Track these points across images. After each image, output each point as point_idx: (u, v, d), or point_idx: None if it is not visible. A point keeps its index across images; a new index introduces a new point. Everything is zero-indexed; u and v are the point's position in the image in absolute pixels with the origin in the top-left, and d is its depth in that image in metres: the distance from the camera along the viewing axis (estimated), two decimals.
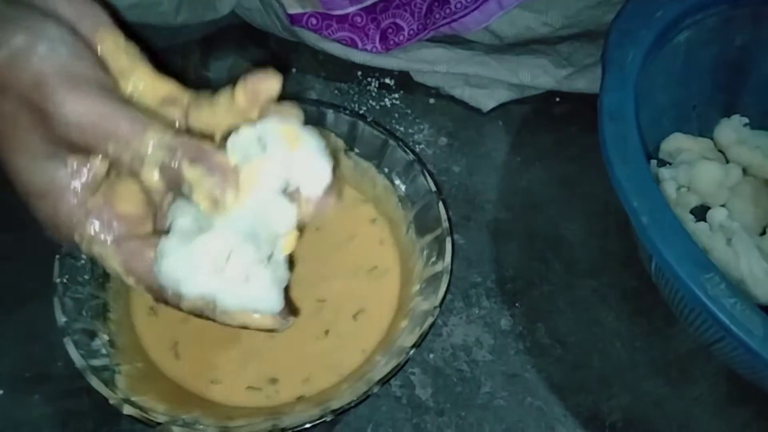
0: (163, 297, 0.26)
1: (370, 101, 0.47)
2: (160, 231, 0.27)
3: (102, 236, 0.26)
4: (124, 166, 0.25)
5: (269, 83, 0.26)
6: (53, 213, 0.25)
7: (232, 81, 0.27)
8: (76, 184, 0.25)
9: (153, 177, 0.24)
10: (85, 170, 0.25)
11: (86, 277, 0.34)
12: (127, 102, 0.25)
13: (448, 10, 0.45)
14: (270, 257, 0.26)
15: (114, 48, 0.26)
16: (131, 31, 0.28)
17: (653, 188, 0.32)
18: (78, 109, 0.23)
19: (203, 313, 0.26)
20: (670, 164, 0.43)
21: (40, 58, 0.23)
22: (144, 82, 0.27)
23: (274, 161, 0.25)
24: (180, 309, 0.26)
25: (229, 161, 0.25)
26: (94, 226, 0.26)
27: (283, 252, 0.27)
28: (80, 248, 0.26)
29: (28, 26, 0.24)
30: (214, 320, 0.26)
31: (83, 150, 0.25)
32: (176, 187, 0.25)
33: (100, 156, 0.25)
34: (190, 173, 0.24)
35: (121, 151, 0.24)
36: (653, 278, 0.36)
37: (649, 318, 0.39)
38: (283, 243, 0.26)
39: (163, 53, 0.30)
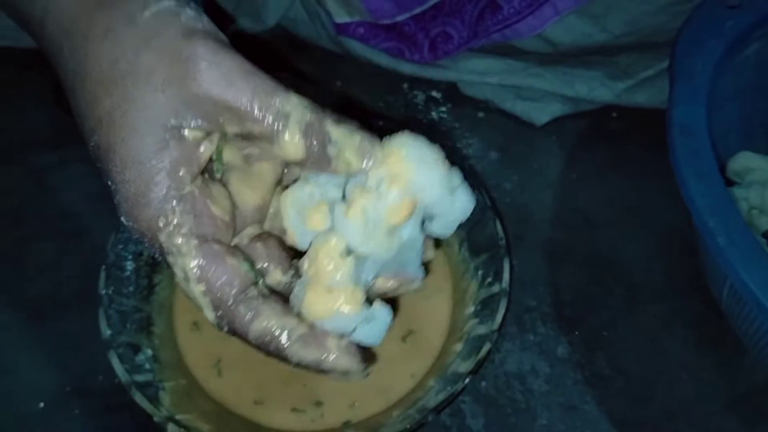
0: (229, 319, 0.24)
1: (417, 114, 0.46)
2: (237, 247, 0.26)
3: (187, 228, 0.24)
4: (263, 127, 0.24)
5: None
6: (146, 188, 0.23)
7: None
8: (182, 162, 0.23)
9: (294, 138, 0.24)
10: (195, 149, 0.24)
11: (131, 289, 0.33)
12: None
13: (500, 16, 0.44)
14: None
15: None
16: None
17: (731, 207, 0.30)
18: (226, 63, 0.23)
19: (269, 348, 0.24)
20: (737, 183, 0.41)
21: (187, 17, 0.24)
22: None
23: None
24: (246, 340, 0.24)
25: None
26: (185, 215, 0.24)
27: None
28: (157, 237, 0.24)
29: None
30: (279, 357, 0.24)
31: (205, 125, 0.24)
32: (317, 152, 0.24)
33: (217, 135, 0.24)
34: (337, 131, 0.24)
35: (265, 108, 0.23)
36: (723, 305, 0.33)
37: (718, 348, 0.36)
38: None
39: None
